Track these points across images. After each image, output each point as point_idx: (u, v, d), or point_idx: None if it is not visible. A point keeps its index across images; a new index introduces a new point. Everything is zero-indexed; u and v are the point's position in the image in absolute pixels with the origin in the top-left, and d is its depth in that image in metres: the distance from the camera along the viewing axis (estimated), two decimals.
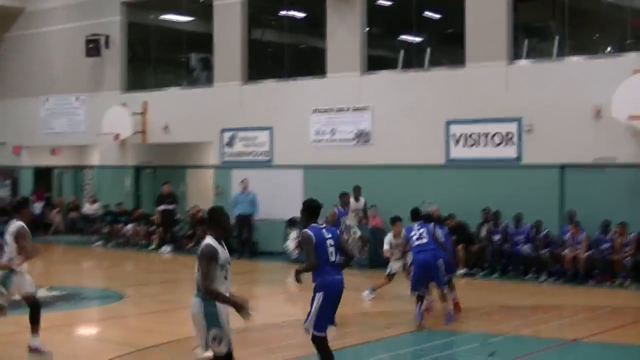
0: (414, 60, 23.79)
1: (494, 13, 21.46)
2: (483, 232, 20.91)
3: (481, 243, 20.80)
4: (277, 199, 24.99)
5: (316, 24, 25.42)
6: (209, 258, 8.25)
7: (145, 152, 29.47)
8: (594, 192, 19.77)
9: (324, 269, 9.62)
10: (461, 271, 20.17)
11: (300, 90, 25.15)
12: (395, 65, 23.93)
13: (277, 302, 18.16)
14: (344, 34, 24.17)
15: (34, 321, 11.46)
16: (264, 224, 25.00)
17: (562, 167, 20.52)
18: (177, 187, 28.49)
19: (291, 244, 23.58)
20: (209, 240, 8.41)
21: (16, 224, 11.50)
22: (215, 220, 8.61)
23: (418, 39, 24.69)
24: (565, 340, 12.92)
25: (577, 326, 14.44)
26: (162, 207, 26.52)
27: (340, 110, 24.18)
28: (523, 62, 21.57)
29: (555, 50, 21.32)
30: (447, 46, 24.77)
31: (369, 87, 23.77)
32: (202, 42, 27.86)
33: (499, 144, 21.36)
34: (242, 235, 24.81)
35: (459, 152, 22.02)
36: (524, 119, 20.92)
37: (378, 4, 25.23)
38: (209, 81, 27.57)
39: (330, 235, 9.70)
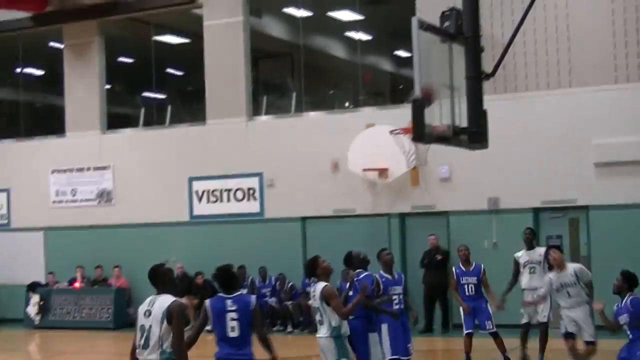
0: (155, 117, 23.73)
1: (233, 70, 21.81)
2: None
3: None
4: (17, 262, 23.98)
5: (54, 82, 24.82)
6: None
7: None
8: (334, 242, 20.34)
9: (219, 345, 8.76)
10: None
11: (38, 149, 24.38)
12: (137, 123, 23.75)
13: None
14: (83, 92, 23.73)
15: None
16: (3, 289, 23.88)
17: (304, 219, 21.06)
18: None
19: (32, 309, 22.68)
20: None
21: None
22: None
23: (159, 96, 24.67)
24: None
25: None
26: None
27: (80, 169, 23.64)
28: (263, 118, 22.04)
29: (293, 105, 21.95)
30: (189, 103, 24.91)
31: (110, 145, 23.42)
32: None
33: (242, 199, 21.65)
34: None
35: (202, 208, 22.10)
36: (265, 174, 21.34)
37: (118, 61, 25.02)
38: None
39: (235, 308, 8.64)
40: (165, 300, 7.98)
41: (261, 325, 8.87)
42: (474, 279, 14.07)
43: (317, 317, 10.32)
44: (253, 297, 8.89)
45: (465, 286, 14.07)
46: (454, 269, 14.44)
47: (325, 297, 10.12)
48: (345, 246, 19.96)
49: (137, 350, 8.01)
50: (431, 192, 19.71)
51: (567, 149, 18.40)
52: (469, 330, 13.99)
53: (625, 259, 15.16)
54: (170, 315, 7.86)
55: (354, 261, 11.54)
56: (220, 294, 8.79)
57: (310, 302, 10.76)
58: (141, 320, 8.00)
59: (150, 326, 7.90)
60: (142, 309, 8.08)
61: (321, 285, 10.27)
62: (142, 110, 23.84)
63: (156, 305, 7.95)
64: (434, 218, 19.78)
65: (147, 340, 7.91)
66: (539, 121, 18.69)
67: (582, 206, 18.51)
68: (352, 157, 19.64)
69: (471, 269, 14.21)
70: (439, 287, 18.94)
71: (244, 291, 12.75)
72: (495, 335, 13.96)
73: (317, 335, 10.38)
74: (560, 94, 18.60)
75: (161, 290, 8.13)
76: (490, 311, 14.00)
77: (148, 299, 8.15)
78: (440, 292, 19.03)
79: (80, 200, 23.68)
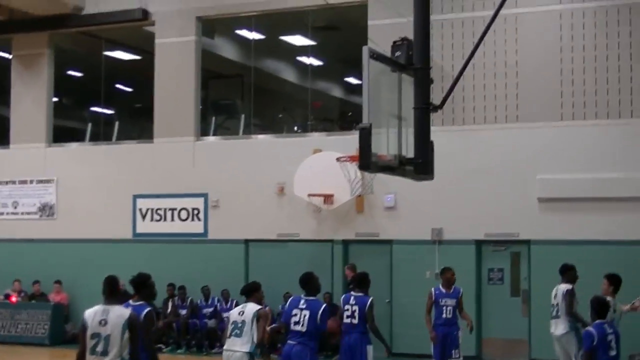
0: (102, 133, 23.53)
1: (183, 89, 21.73)
2: (169, 307, 20.75)
3: (167, 319, 20.59)
4: None
5: (0, 92, 24.48)
6: None
7: None
8: (277, 266, 20.31)
9: None
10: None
11: None
12: (84, 137, 23.53)
13: None
14: (30, 103, 23.43)
15: None
16: None
17: (247, 242, 20.99)
18: None
19: None
20: None
21: None
22: None
23: (108, 112, 24.50)
24: None
25: None
26: None
27: (23, 182, 23.32)
28: (211, 139, 21.96)
29: (241, 127, 21.92)
30: (137, 120, 24.78)
31: (55, 158, 23.15)
32: None
33: (186, 219, 21.55)
34: None
35: (146, 226, 21.94)
36: (210, 195, 21.25)
37: (68, 74, 24.80)
38: None
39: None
40: (123, 310, 8.50)
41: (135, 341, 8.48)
42: (453, 302, 13.80)
43: (236, 331, 10.50)
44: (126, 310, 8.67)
45: (444, 308, 13.76)
46: (432, 290, 13.98)
47: (259, 317, 10.53)
48: (288, 270, 20.12)
49: (92, 357, 8.32)
50: (376, 220, 19.78)
51: (512, 183, 18.61)
52: None
53: None
54: (132, 324, 8.36)
55: (314, 283, 11.05)
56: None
57: (229, 316, 10.85)
58: (94, 328, 8.36)
59: (109, 335, 8.30)
60: (93, 318, 8.41)
61: (256, 306, 10.64)
62: (89, 125, 23.62)
63: (112, 315, 8.38)
64: (377, 246, 19.83)
65: (105, 348, 8.29)
66: (486, 154, 18.89)
67: (524, 240, 18.71)
68: (298, 182, 19.65)
69: (451, 291, 13.90)
70: None
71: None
72: None
73: (233, 349, 10.50)
74: (507, 128, 18.83)
75: (112, 300, 8.54)
76: (460, 340, 13.83)
77: (99, 309, 8.47)
78: None
79: (22, 213, 23.34)
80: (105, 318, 8.38)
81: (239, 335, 10.44)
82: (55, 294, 22.07)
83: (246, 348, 10.47)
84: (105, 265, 20.99)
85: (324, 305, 10.50)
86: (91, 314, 8.49)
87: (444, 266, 14.58)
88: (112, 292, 8.62)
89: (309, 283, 10.66)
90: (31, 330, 21.67)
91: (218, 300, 20.51)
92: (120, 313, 8.43)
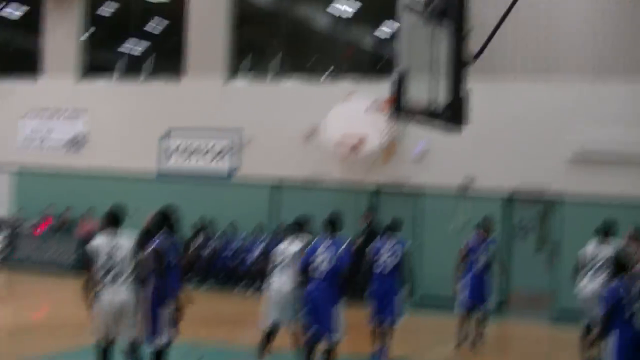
0: (134, 69, 23.47)
1: (215, 28, 21.60)
2: (194, 244, 20.82)
3: (192, 255, 20.65)
4: None
5: (31, 24, 24.44)
6: None
7: None
8: (303, 210, 20.22)
9: None
10: None
11: (13, 90, 24.09)
12: (115, 73, 23.51)
13: None
14: (62, 36, 23.46)
15: None
16: None
17: (275, 184, 20.96)
18: None
19: None
20: None
21: None
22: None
23: (139, 49, 24.36)
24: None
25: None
26: None
27: (53, 114, 23.42)
28: (242, 80, 21.85)
29: (273, 70, 21.76)
30: (168, 58, 24.61)
31: (86, 93, 23.21)
32: None
33: (214, 159, 21.53)
34: None
35: (174, 163, 22.00)
36: (239, 135, 21.20)
37: (101, 9, 24.67)
38: None
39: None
40: (129, 238, 9.30)
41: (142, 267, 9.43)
42: (486, 253, 13.85)
43: (284, 266, 10.85)
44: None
45: (477, 259, 13.79)
46: (467, 241, 14.05)
47: None
48: (315, 215, 20.09)
49: (103, 286, 8.99)
50: (405, 168, 19.66)
51: (545, 137, 18.41)
52: (464, 310, 13.84)
53: None
54: (139, 251, 9.31)
55: (338, 224, 10.78)
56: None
57: (276, 252, 11.04)
58: (105, 256, 9.05)
59: (117, 262, 9.07)
60: (102, 247, 9.08)
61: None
62: (121, 61, 23.57)
63: (120, 242, 9.17)
64: (406, 194, 19.73)
65: (116, 274, 9.04)
66: (520, 108, 18.68)
67: (555, 195, 18.54)
68: (329, 127, 19.52)
69: (486, 243, 13.94)
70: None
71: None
72: (484, 317, 13.94)
73: (281, 284, 10.81)
74: (544, 81, 18.60)
75: (119, 229, 9.30)
76: (489, 292, 13.89)
77: (108, 237, 9.19)
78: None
79: (52, 144, 23.48)
80: (115, 246, 9.14)
81: (287, 270, 10.48)
82: (83, 224, 22.24)
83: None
84: (132, 200, 21.20)
85: (346, 245, 10.46)
86: (99, 242, 9.14)
87: (481, 217, 14.50)
88: (117, 222, 9.33)
89: (333, 224, 10.59)
90: (59, 259, 21.92)
91: (243, 239, 20.58)
92: (126, 241, 9.25)
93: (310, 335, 10.35)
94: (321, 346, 10.84)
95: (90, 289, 9.11)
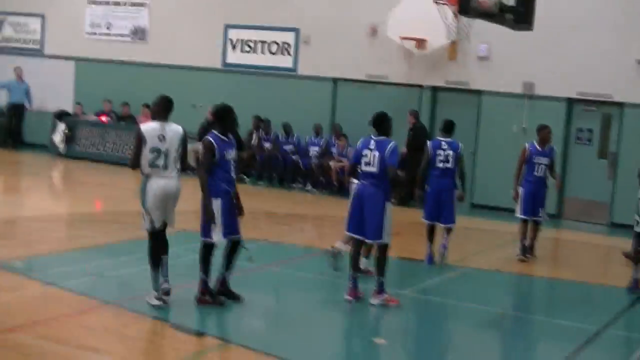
0: None
1: None
2: (253, 139, 20.98)
3: (251, 150, 20.84)
4: (47, 90, 24.08)
5: None
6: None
7: None
8: (364, 107, 20.20)
9: None
10: None
11: None
12: None
13: (40, 196, 17.62)
14: None
15: None
16: (31, 114, 24.03)
17: (336, 80, 20.90)
18: None
19: (58, 137, 22.90)
20: None
21: None
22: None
23: None
24: (324, 249, 13.11)
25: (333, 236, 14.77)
26: None
27: (117, 4, 23.45)
28: None
29: None
30: None
31: None
32: None
33: (276, 53, 21.49)
34: (12, 125, 23.83)
35: (236, 57, 21.98)
36: (301, 30, 21.10)
37: None
38: None
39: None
40: (178, 127, 9.34)
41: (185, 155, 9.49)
42: (546, 160, 13.56)
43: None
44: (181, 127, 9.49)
45: (537, 166, 13.50)
46: (527, 146, 13.68)
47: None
48: (375, 112, 20.07)
49: (154, 170, 9.15)
50: (468, 68, 19.43)
51: (609, 42, 18.00)
52: (525, 217, 13.62)
53: None
54: (185, 139, 9.36)
55: (386, 124, 10.24)
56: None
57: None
58: (154, 143, 9.16)
59: (167, 149, 9.16)
60: (152, 133, 9.19)
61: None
62: None
63: (169, 131, 9.22)
64: (467, 95, 19.57)
65: (165, 161, 9.16)
66: (586, 10, 18.26)
67: (617, 102, 18.24)
68: (392, 24, 19.26)
69: (546, 149, 13.62)
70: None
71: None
72: (537, 225, 13.78)
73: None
74: None
75: (167, 118, 9.35)
76: (545, 200, 13.71)
77: (157, 125, 9.26)
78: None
79: (115, 34, 23.58)
80: (163, 134, 9.19)
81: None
82: (144, 116, 22.41)
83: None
84: (193, 92, 21.40)
85: (392, 144, 10.01)
86: (149, 129, 9.22)
87: (542, 123, 14.18)
88: (168, 111, 9.38)
89: (381, 123, 10.23)
90: (119, 150, 22.20)
91: (297, 138, 20.65)
92: (176, 129, 9.30)
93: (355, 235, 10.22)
94: (371, 248, 10.88)
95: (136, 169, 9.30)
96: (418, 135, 18.46)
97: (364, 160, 10.07)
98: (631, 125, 18.00)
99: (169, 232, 9.51)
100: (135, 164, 9.24)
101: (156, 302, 9.26)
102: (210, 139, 9.30)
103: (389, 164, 9.90)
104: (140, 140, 9.19)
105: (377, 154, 9.98)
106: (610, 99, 18.25)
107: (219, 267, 9.64)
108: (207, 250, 9.44)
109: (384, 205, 9.98)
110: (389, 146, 9.96)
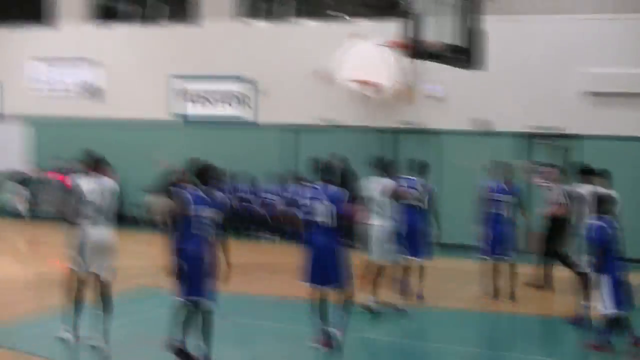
0: (147, 14, 23.34)
1: None
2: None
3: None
4: None
5: None
6: None
7: None
8: (324, 152, 20.23)
9: None
10: None
11: (24, 37, 24.10)
12: (129, 18, 23.41)
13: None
14: None
15: None
16: None
17: (294, 128, 20.94)
18: None
19: (18, 200, 22.70)
20: None
21: None
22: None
23: None
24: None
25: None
26: None
27: (66, 60, 23.46)
28: (256, 22, 21.72)
29: (287, 12, 21.59)
30: (185, 1, 24.47)
31: (100, 38, 23.17)
32: None
33: (232, 104, 21.59)
34: None
35: (193, 110, 22.07)
36: (257, 80, 21.27)
37: None
38: None
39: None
40: (109, 180, 9.86)
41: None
42: (509, 198, 13.38)
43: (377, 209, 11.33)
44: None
45: (497, 203, 13.32)
46: (486, 183, 13.59)
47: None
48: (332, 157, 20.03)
49: (85, 222, 9.55)
50: (424, 110, 19.57)
51: (560, 76, 18.29)
52: (486, 257, 13.50)
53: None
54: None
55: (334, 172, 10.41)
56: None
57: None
58: (89, 197, 9.61)
59: (100, 202, 9.65)
60: (86, 187, 9.64)
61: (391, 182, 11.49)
62: (135, 6, 23.46)
63: (102, 184, 9.73)
64: (425, 136, 19.66)
65: (98, 212, 9.64)
66: (537, 46, 18.51)
67: (574, 135, 18.40)
68: (340, 68, 19.27)
69: (507, 186, 13.44)
70: None
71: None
72: (499, 266, 13.55)
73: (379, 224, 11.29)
74: (560, 19, 18.44)
75: (97, 172, 9.81)
76: (513, 239, 13.47)
77: (87, 179, 9.75)
78: None
79: (64, 91, 23.55)
80: (96, 188, 9.68)
81: (381, 211, 10.62)
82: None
83: (388, 222, 11.46)
84: (147, 148, 21.28)
85: (339, 192, 9.97)
86: (84, 185, 9.67)
87: (500, 160, 14.19)
88: (102, 164, 9.93)
89: (323, 171, 10.23)
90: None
91: (265, 187, 20.63)
92: (107, 183, 9.82)
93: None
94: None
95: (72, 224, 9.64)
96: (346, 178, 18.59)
97: (315, 207, 9.98)
98: (591, 158, 18.14)
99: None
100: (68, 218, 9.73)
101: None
102: (188, 193, 9.09)
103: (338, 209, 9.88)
104: (78, 194, 9.65)
105: (326, 200, 9.91)
106: (564, 131, 18.42)
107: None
108: (180, 310, 9.19)
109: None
110: (339, 196, 9.94)
